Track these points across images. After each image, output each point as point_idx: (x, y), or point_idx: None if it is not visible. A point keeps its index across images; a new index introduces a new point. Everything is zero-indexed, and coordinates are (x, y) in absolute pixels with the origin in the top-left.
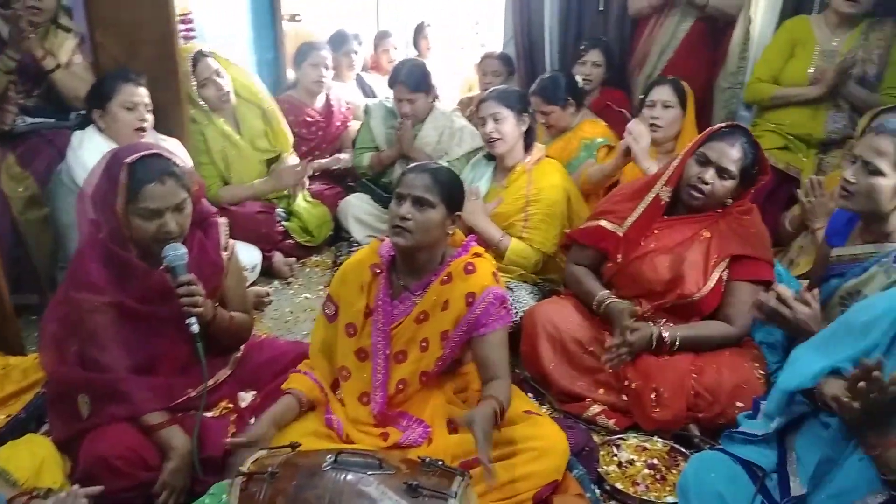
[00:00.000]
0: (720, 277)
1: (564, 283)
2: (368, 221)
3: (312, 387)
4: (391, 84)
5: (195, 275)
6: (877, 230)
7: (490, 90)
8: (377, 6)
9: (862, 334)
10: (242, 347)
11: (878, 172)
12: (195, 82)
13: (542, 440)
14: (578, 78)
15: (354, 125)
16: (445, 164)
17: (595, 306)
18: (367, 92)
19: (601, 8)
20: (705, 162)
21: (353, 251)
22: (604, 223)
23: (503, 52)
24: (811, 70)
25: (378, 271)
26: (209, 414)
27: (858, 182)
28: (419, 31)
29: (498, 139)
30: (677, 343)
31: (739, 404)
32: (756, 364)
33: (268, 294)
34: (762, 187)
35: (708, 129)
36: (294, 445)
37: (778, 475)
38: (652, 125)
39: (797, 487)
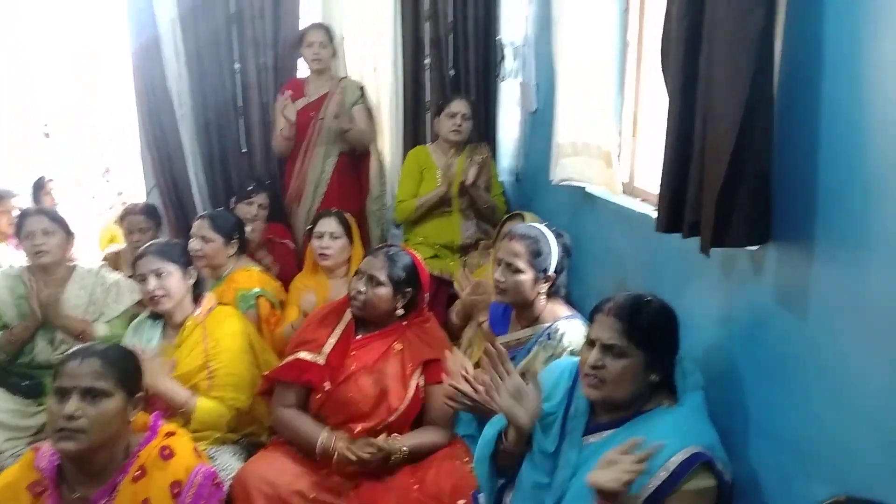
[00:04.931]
0: (418, 384)
1: (273, 431)
2: (8, 421)
3: None
4: (18, 227)
5: None
6: (528, 316)
7: (148, 245)
8: None
9: (552, 395)
10: None
11: (519, 270)
12: None
13: None
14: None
15: None
16: (104, 326)
17: (319, 451)
18: None
19: (244, 150)
20: (358, 273)
21: None
22: (303, 354)
23: (147, 204)
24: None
25: (41, 490)
26: None
27: (506, 280)
28: (39, 186)
29: (163, 296)
30: (405, 455)
31: (461, 502)
32: (466, 459)
33: None
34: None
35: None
36: None
37: None
38: (321, 254)
39: None
